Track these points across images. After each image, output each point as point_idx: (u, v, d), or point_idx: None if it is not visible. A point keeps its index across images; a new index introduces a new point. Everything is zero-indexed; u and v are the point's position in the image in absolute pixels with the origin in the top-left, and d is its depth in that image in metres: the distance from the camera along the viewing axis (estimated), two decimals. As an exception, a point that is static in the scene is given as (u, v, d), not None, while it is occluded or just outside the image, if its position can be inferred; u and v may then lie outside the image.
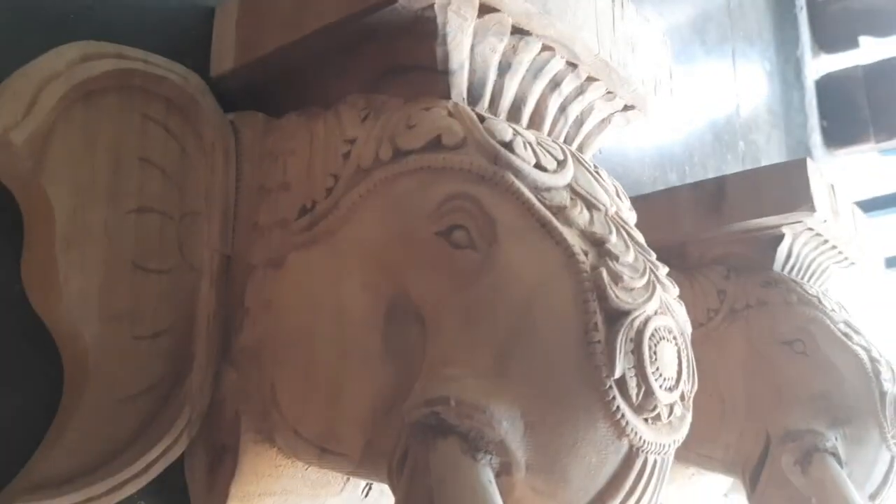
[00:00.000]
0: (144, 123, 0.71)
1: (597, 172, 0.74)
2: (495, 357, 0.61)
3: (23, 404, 0.64)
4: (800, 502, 1.16)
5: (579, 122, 0.84)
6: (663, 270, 0.70)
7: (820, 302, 1.24)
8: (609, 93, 0.84)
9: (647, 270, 0.67)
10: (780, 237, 1.25)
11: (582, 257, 0.63)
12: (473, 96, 0.73)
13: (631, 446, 0.60)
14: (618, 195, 0.75)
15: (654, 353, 0.62)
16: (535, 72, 0.77)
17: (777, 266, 1.27)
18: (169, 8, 0.81)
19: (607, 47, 0.81)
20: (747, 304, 1.27)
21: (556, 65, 0.78)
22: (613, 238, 0.67)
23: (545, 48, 0.76)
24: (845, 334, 1.22)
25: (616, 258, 0.65)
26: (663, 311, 0.65)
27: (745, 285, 1.28)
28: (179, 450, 0.69)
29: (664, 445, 0.62)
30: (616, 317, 0.61)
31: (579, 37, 0.77)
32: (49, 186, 0.64)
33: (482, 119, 0.69)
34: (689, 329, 0.69)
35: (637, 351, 0.61)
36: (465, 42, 0.70)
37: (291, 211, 0.73)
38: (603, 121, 0.87)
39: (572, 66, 0.79)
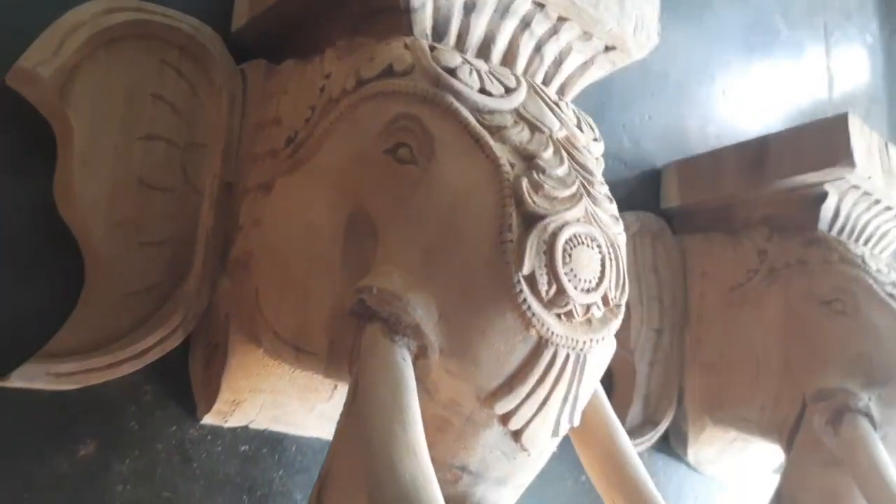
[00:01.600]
0: (160, 66, 0.84)
1: (555, 104, 0.79)
2: (421, 255, 0.68)
3: (52, 294, 0.78)
4: (834, 465, 1.13)
5: (558, 62, 0.88)
6: (601, 189, 0.74)
7: (864, 262, 1.19)
8: (585, 33, 0.89)
9: (578, 184, 0.71)
10: (824, 196, 1.22)
11: (507, 168, 0.68)
12: (438, 33, 0.79)
13: (540, 337, 0.66)
14: (579, 126, 0.80)
15: (570, 255, 0.67)
16: (503, 11, 0.82)
17: (822, 226, 1.24)
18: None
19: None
20: (787, 264, 1.25)
21: (523, 4, 0.83)
22: (547, 154, 0.72)
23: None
24: (891, 295, 1.17)
25: (542, 170, 0.70)
26: (587, 221, 0.70)
27: (786, 245, 1.26)
28: (174, 342, 0.80)
29: (578, 341, 0.67)
30: (531, 220, 0.67)
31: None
32: (71, 113, 0.77)
33: (433, 49, 0.76)
34: (620, 241, 0.73)
35: (550, 252, 0.66)
36: None
37: (280, 141, 0.82)
38: (585, 63, 0.91)
39: (539, 5, 0.84)
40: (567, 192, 0.70)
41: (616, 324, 0.71)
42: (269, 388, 0.86)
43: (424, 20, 0.78)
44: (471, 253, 0.67)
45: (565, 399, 0.69)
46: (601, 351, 0.71)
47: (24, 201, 0.79)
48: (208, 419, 0.85)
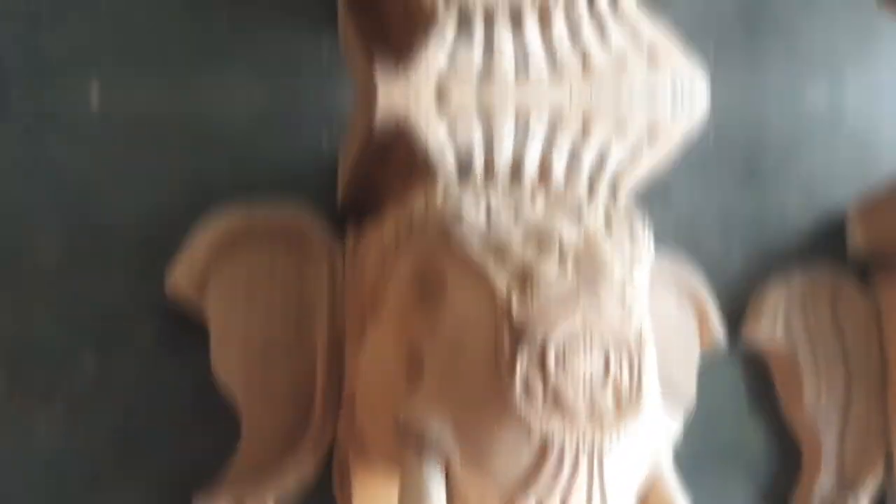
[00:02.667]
0: (272, 252, 1.05)
1: (577, 210, 0.86)
2: (438, 379, 0.80)
3: (214, 445, 1.02)
4: None
5: (600, 162, 0.94)
6: (612, 287, 0.79)
7: None
8: (619, 128, 0.93)
9: (577, 290, 0.77)
10: None
11: (501, 289, 0.77)
12: (464, 171, 0.91)
13: (543, 441, 0.73)
14: (608, 226, 0.86)
15: (563, 359, 0.74)
16: (521, 136, 0.91)
17: None
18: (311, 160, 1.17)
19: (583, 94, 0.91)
20: None
21: (540, 125, 0.91)
22: (546, 267, 0.79)
23: (518, 116, 0.90)
24: None
25: (537, 284, 0.77)
26: (583, 324, 0.76)
27: None
28: (307, 470, 0.98)
29: (586, 440, 0.73)
30: (521, 334, 0.75)
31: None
32: (207, 308, 1.02)
33: (449, 196, 0.87)
34: (631, 337, 0.76)
35: (542, 360, 0.74)
36: (438, 132, 0.89)
37: (366, 294, 0.99)
38: (634, 157, 0.95)
39: (556, 118, 0.92)
40: (560, 301, 0.77)
41: (634, 419, 0.74)
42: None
43: (447, 164, 0.90)
44: (473, 373, 0.77)
45: (589, 497, 0.74)
46: (625, 445, 0.74)
47: (196, 375, 1.04)
48: (354, 534, 1.01)
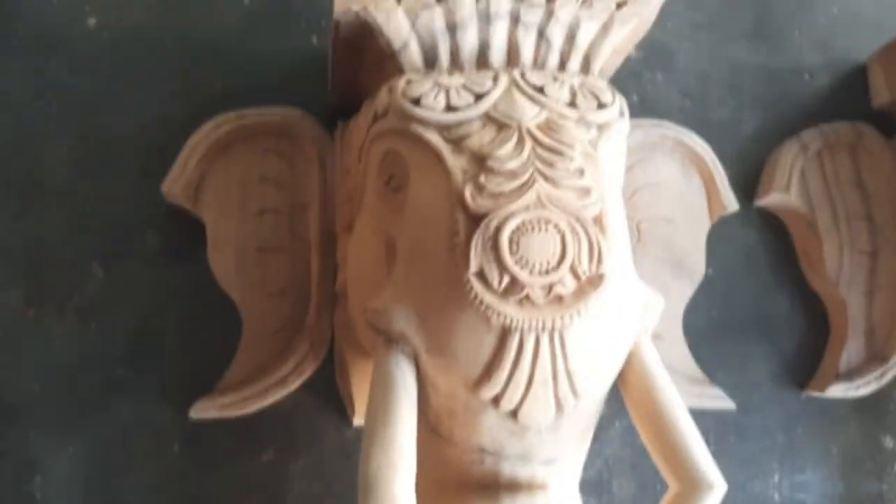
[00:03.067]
0: (263, 154, 1.06)
1: (538, 90, 0.82)
2: (403, 269, 0.79)
3: (220, 342, 1.05)
4: None
5: (570, 38, 0.89)
6: (570, 164, 0.76)
7: None
8: (584, 1, 0.88)
9: (532, 172, 0.75)
10: None
11: (458, 176, 0.76)
12: (430, 62, 0.87)
13: (502, 326, 0.72)
14: (573, 102, 0.82)
15: (517, 244, 0.72)
16: (486, 18, 0.87)
17: None
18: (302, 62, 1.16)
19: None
20: None
21: (502, 4, 0.87)
22: (503, 151, 0.76)
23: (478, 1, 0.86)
24: None
25: (491, 170, 0.75)
26: (538, 206, 0.73)
27: None
28: (309, 367, 1.01)
29: (546, 321, 0.72)
30: (475, 221, 0.74)
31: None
32: (202, 212, 1.04)
33: (409, 83, 0.84)
34: (587, 211, 0.74)
35: (495, 246, 0.72)
36: (400, 23, 0.86)
37: (350, 187, 0.99)
38: (604, 26, 0.90)
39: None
40: (515, 184, 0.75)
41: (598, 293, 0.73)
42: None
43: (412, 56, 0.87)
44: (432, 261, 0.76)
45: (554, 376, 0.74)
46: (588, 323, 0.73)
47: (200, 277, 1.07)
48: (357, 421, 1.04)
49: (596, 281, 0.73)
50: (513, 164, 0.76)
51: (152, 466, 1.03)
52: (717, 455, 1.10)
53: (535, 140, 0.78)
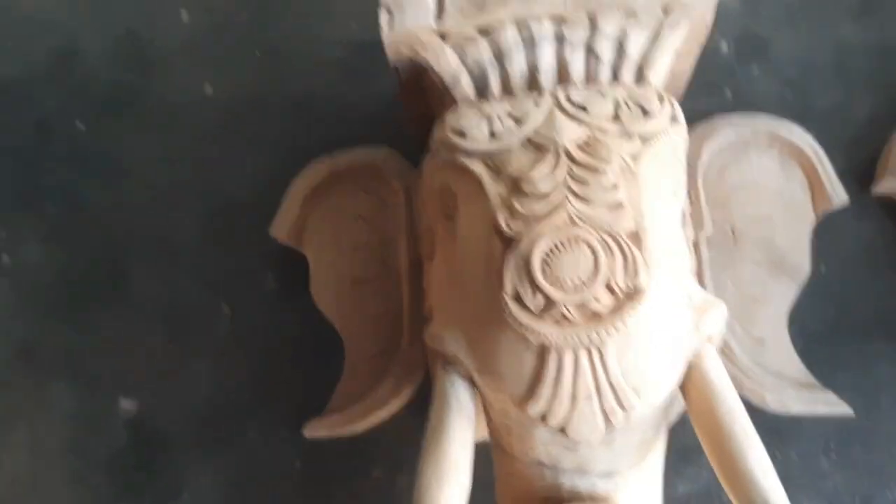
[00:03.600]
0: (355, 193, 1.15)
1: (581, 108, 0.84)
2: (454, 294, 0.83)
3: (331, 367, 1.14)
4: None
5: (620, 51, 0.90)
6: (603, 180, 0.76)
7: None
8: (628, 13, 0.88)
9: (563, 192, 0.77)
10: None
11: (495, 203, 0.79)
12: (482, 92, 0.91)
13: (541, 345, 0.74)
14: (616, 116, 0.83)
15: (549, 264, 0.74)
16: (529, 43, 0.90)
17: None
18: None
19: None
20: None
21: (545, 27, 0.89)
22: (536, 173, 0.79)
23: (519, 27, 0.89)
24: None
25: (524, 193, 0.78)
26: (570, 225, 0.75)
27: None
28: (406, 389, 1.06)
29: (583, 338, 0.73)
30: (508, 245, 0.76)
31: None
32: (306, 250, 1.14)
33: (457, 115, 0.88)
34: (620, 226, 0.74)
35: (527, 267, 0.75)
36: (448, 59, 0.91)
37: (429, 217, 1.04)
38: (654, 35, 0.89)
39: (562, 19, 0.89)
40: (546, 205, 0.77)
41: (636, 307, 0.73)
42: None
43: (464, 88, 0.91)
44: (474, 286, 0.80)
45: (598, 391, 0.74)
46: (627, 337, 0.73)
47: (310, 309, 1.17)
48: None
49: (634, 295, 0.74)
50: (545, 186, 0.78)
51: (278, 482, 1.14)
52: (840, 465, 1.04)
53: (572, 159, 0.79)
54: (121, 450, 1.16)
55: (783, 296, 1.06)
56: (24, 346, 1.21)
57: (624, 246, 0.74)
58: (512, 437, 0.81)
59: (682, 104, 1.14)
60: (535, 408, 0.76)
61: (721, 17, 1.17)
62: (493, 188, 0.81)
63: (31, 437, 1.17)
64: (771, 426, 1.05)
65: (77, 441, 1.17)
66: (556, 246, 0.75)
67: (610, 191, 0.77)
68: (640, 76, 0.90)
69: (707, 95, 1.18)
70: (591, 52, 0.90)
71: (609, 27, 0.88)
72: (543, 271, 0.74)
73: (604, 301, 0.74)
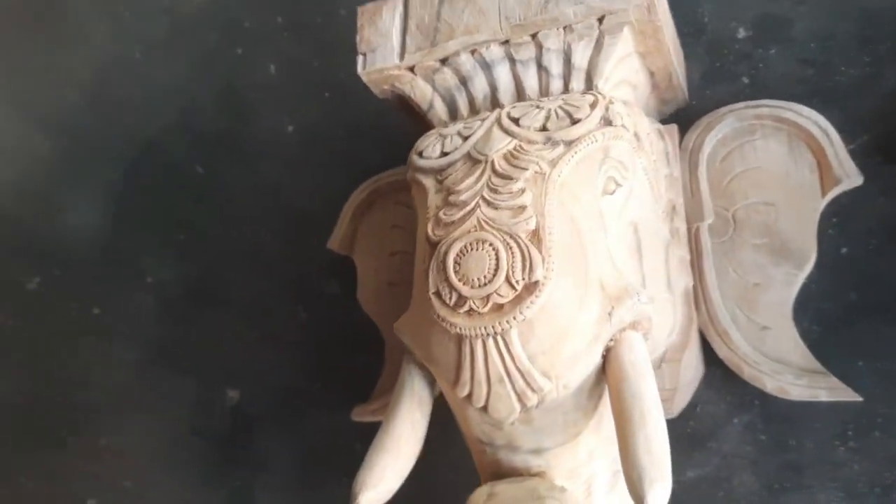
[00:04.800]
0: (395, 206, 1.29)
1: (514, 121, 0.92)
2: (412, 293, 0.95)
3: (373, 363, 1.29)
4: None
5: (568, 63, 0.96)
6: (513, 186, 0.85)
7: None
8: (566, 28, 0.94)
9: (476, 199, 0.86)
10: None
11: (431, 212, 0.90)
12: (454, 114, 1.03)
13: (458, 335, 0.84)
14: (544, 126, 0.90)
15: (459, 264, 0.84)
16: (486, 66, 0.99)
17: None
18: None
19: (516, 9, 0.95)
20: None
21: (495, 51, 0.98)
22: (462, 185, 0.89)
23: (472, 51, 0.98)
24: None
25: (449, 203, 0.88)
26: (477, 228, 0.84)
27: None
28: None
29: (488, 327, 0.82)
30: (433, 249, 0.87)
31: (484, 25, 0.96)
32: (356, 259, 1.30)
33: (422, 138, 1.00)
34: (521, 227, 0.82)
35: (444, 268, 0.85)
36: (421, 88, 1.03)
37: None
38: (597, 44, 0.94)
39: (505, 42, 0.97)
40: (460, 214, 0.87)
41: (534, 299, 0.81)
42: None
43: (438, 112, 1.03)
44: (416, 286, 0.91)
45: (508, 374, 0.82)
46: (528, 325, 0.81)
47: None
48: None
49: (531, 288, 0.81)
50: (466, 196, 0.87)
51: (342, 460, 1.31)
52: (858, 453, 1.01)
53: (494, 170, 0.88)
54: (227, 431, 1.41)
55: (786, 282, 1.04)
56: (161, 347, 1.50)
57: (523, 245, 0.82)
58: (458, 417, 0.91)
59: (696, 94, 1.17)
60: (462, 391, 0.85)
61: (736, 2, 1.17)
62: (433, 200, 0.91)
63: (162, 421, 1.46)
64: (784, 413, 1.04)
65: (196, 425, 1.44)
66: (465, 248, 0.84)
67: (516, 196, 0.84)
68: (590, 83, 0.95)
69: (723, 83, 1.17)
70: (541, 67, 0.97)
71: (552, 43, 0.95)
72: (455, 271, 0.84)
73: (505, 294, 0.81)
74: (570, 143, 0.88)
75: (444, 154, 0.95)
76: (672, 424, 1.07)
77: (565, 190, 0.86)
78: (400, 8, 1.02)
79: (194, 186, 1.55)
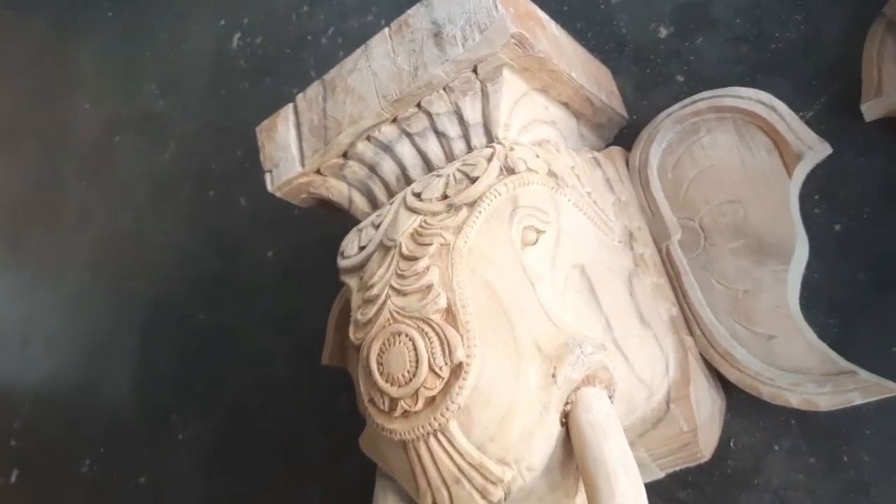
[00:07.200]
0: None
1: (416, 196, 0.85)
2: None
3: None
4: None
5: (462, 122, 0.89)
6: (419, 265, 0.77)
7: None
8: (445, 88, 0.87)
9: (386, 291, 0.78)
10: None
11: (354, 315, 0.83)
12: (374, 204, 0.96)
13: (401, 441, 0.75)
14: (444, 193, 0.82)
15: (381, 364, 0.76)
16: (388, 149, 0.93)
17: None
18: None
19: (390, 86, 0.88)
20: None
21: (391, 132, 0.91)
22: (374, 278, 0.81)
23: (367, 138, 0.92)
24: None
25: (364, 300, 0.81)
26: (391, 321, 0.76)
27: None
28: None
29: (424, 426, 0.73)
30: (357, 353, 0.80)
31: (366, 110, 0.90)
32: (350, 369, 1.23)
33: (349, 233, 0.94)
34: (431, 308, 0.74)
35: (369, 372, 0.77)
36: (336, 187, 0.97)
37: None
38: (483, 96, 0.87)
39: (392, 122, 0.90)
40: (374, 310, 0.79)
41: (461, 382, 0.71)
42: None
43: (360, 205, 0.97)
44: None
45: (462, 472, 0.72)
46: (466, 413, 0.72)
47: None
48: None
49: (457, 371, 0.72)
50: (377, 289, 0.80)
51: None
52: None
53: (401, 254, 0.80)
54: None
55: (776, 280, 0.90)
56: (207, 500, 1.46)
57: (437, 327, 0.73)
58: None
59: (634, 108, 1.07)
60: (425, 499, 0.75)
61: (650, 4, 1.08)
62: (356, 300, 0.84)
63: None
64: (827, 427, 0.90)
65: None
66: (384, 345, 0.76)
67: (421, 276, 0.76)
68: (490, 136, 0.87)
69: (658, 89, 1.07)
70: (438, 134, 0.90)
71: (439, 107, 0.88)
72: (381, 372, 0.75)
73: (433, 386, 0.72)
74: (472, 205, 0.80)
75: (361, 249, 0.88)
76: (708, 469, 0.94)
77: (474, 255, 0.77)
78: (291, 117, 0.98)
79: (200, 333, 1.54)
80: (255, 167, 1.49)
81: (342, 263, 0.89)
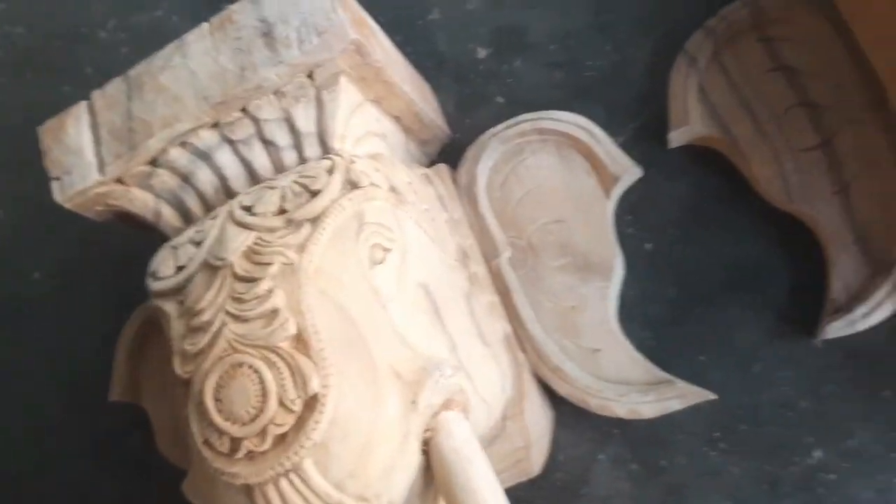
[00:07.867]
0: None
1: (248, 210, 0.75)
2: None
3: None
4: None
5: (293, 130, 0.81)
6: (256, 290, 0.68)
7: None
8: (277, 93, 0.80)
9: (220, 317, 0.68)
10: None
11: (176, 345, 0.72)
12: (188, 218, 0.85)
13: (246, 488, 0.66)
14: (282, 206, 0.74)
15: (219, 401, 0.66)
16: (202, 157, 0.82)
17: None
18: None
19: (212, 87, 0.79)
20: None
21: (204, 138, 0.81)
22: (201, 303, 0.71)
23: (182, 146, 0.82)
24: None
25: (192, 328, 0.70)
26: (230, 351, 0.67)
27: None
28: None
29: (275, 466, 0.64)
30: (186, 389, 0.69)
31: (183, 112, 0.80)
32: (145, 405, 1.08)
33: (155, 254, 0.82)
34: (278, 336, 0.65)
35: (203, 410, 0.66)
36: (141, 198, 0.84)
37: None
38: (318, 103, 0.80)
39: (213, 127, 0.81)
40: (207, 339, 0.69)
41: (317, 416, 0.64)
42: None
43: (169, 219, 0.85)
44: (185, 439, 0.72)
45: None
46: (323, 449, 0.64)
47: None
48: None
49: (311, 403, 0.64)
50: (208, 315, 0.70)
51: None
52: (733, 451, 0.91)
53: (234, 275, 0.71)
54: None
55: (600, 297, 0.93)
56: None
57: (286, 357, 0.65)
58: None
59: (456, 126, 1.05)
60: None
61: (468, 23, 1.08)
62: (176, 328, 0.73)
63: None
64: (647, 435, 0.93)
65: None
66: (221, 379, 0.66)
67: (264, 299, 0.68)
68: (325, 147, 0.81)
69: (479, 109, 1.07)
70: (266, 142, 0.81)
71: (267, 113, 0.80)
72: (219, 410, 0.66)
73: (284, 422, 0.64)
74: (315, 220, 0.72)
75: (179, 269, 0.76)
76: (538, 483, 0.94)
77: (322, 276, 0.70)
78: (85, 117, 0.84)
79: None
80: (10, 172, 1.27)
81: (155, 286, 0.77)
